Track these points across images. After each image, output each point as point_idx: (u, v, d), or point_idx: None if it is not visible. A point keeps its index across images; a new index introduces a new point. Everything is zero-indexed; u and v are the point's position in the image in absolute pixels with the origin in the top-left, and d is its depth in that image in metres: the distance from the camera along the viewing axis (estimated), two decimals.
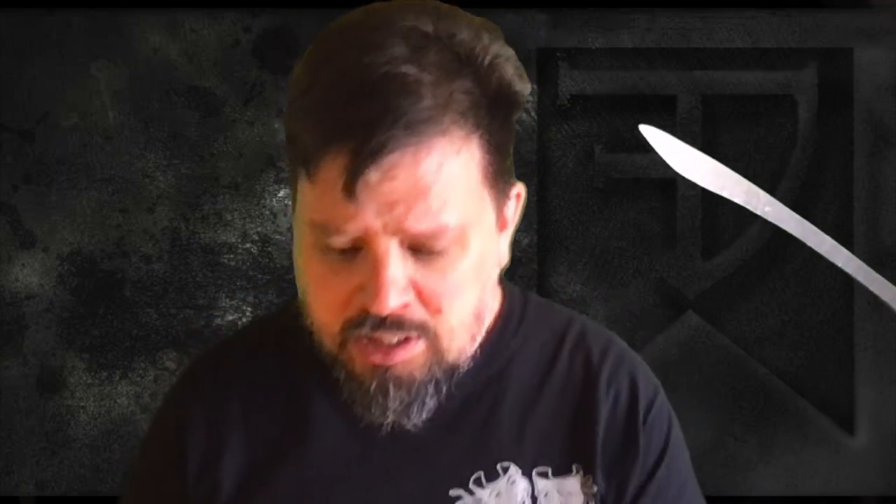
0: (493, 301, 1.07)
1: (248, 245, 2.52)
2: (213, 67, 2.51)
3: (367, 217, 0.95)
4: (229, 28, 2.51)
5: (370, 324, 0.97)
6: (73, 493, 2.52)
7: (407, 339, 0.98)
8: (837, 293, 2.54)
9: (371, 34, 0.96)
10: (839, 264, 1.06)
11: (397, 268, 0.96)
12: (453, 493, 1.03)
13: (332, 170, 0.95)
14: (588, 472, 1.04)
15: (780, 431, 2.52)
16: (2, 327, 2.51)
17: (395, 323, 0.97)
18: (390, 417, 1.00)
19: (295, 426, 1.06)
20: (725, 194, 1.07)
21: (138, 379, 2.51)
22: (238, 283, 2.51)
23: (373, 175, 0.94)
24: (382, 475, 1.04)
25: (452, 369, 1.01)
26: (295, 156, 1.00)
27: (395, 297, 0.96)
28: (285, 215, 2.51)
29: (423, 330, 0.98)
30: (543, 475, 1.04)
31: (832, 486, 2.53)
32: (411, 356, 0.99)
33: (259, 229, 2.51)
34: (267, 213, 2.51)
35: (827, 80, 2.53)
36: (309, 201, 0.98)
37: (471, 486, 1.03)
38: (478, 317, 1.02)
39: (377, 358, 0.98)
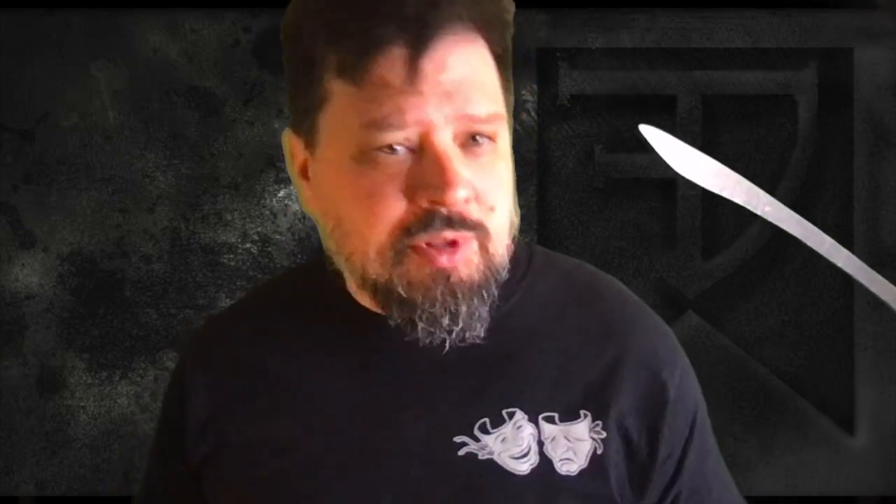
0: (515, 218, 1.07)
1: (248, 245, 2.52)
2: (213, 67, 2.51)
3: (428, 107, 0.96)
4: (229, 28, 2.51)
5: (438, 222, 0.97)
6: (73, 493, 2.52)
7: (462, 240, 0.98)
8: (837, 293, 2.54)
9: None
10: (839, 264, 1.06)
11: (459, 160, 0.97)
12: (458, 439, 1.03)
13: (385, 67, 0.96)
14: (597, 417, 1.04)
15: (780, 431, 2.52)
16: (2, 327, 2.51)
17: (461, 220, 0.97)
18: (460, 326, 0.99)
19: (297, 374, 1.07)
20: (725, 194, 1.07)
21: (138, 379, 2.51)
22: (238, 283, 2.51)
23: (428, 64, 0.96)
24: (384, 421, 1.04)
25: (498, 276, 1.01)
26: (321, 76, 1.00)
27: (463, 189, 0.97)
28: (285, 215, 2.51)
29: (479, 229, 0.99)
30: (550, 420, 1.03)
31: (832, 486, 2.53)
32: (469, 256, 0.99)
33: (259, 229, 2.52)
34: (267, 213, 2.51)
35: (827, 80, 2.53)
36: (356, 108, 0.98)
37: (475, 432, 1.03)
38: (512, 224, 1.03)
39: (441, 260, 0.98)
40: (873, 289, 1.06)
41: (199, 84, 2.51)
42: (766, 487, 2.51)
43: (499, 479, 1.02)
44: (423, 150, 0.97)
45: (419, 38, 0.96)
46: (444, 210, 0.97)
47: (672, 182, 2.50)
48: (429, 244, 0.98)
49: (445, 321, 0.99)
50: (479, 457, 1.02)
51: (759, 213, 1.06)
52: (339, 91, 0.99)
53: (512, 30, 1.04)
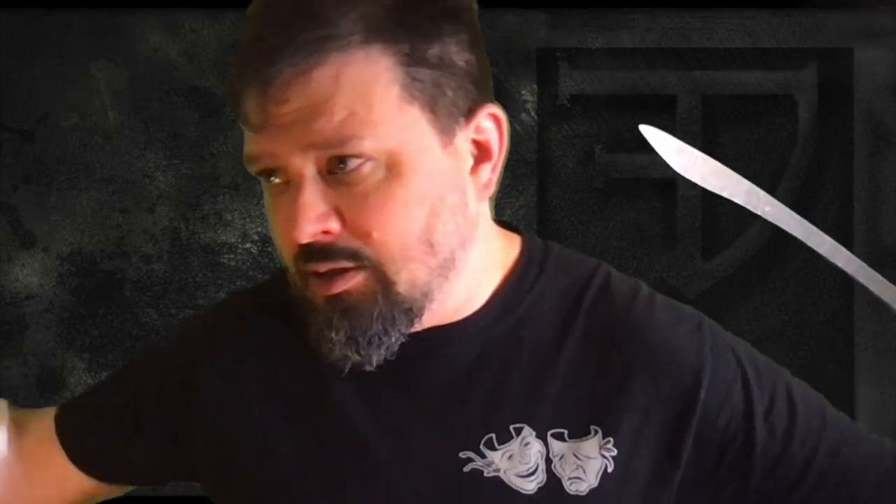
0: (472, 234, 1.01)
1: (248, 245, 2.52)
2: (213, 67, 2.51)
3: (268, 142, 0.96)
4: (229, 28, 2.51)
5: (303, 255, 0.96)
6: None
7: (345, 270, 0.96)
8: (837, 293, 2.54)
9: None
10: (839, 264, 1.06)
11: (312, 190, 0.95)
12: (463, 454, 1.00)
13: (239, 108, 0.97)
14: (608, 434, 1.00)
15: None
16: (2, 327, 2.51)
17: (322, 251, 0.96)
18: (337, 350, 0.97)
19: (302, 386, 1.05)
20: (725, 194, 1.06)
21: None
22: (238, 283, 2.51)
23: (266, 100, 0.95)
24: (390, 436, 1.01)
25: (407, 303, 0.97)
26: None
27: (310, 223, 0.95)
28: None
29: (356, 258, 0.96)
30: (559, 437, 1.00)
31: None
32: (352, 286, 0.96)
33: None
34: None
35: (827, 80, 2.53)
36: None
37: (482, 448, 1.00)
38: (431, 244, 0.97)
39: (324, 289, 0.97)
40: (873, 289, 1.06)
41: (199, 84, 2.51)
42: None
43: (504, 497, 0.99)
44: (293, 186, 0.97)
45: (254, 77, 0.95)
46: (302, 245, 0.96)
47: (672, 182, 2.50)
48: (313, 273, 0.97)
49: (324, 346, 0.98)
50: (485, 474, 0.99)
51: (759, 213, 1.06)
52: None
53: (462, 12, 0.99)
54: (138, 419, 1.13)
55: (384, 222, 0.95)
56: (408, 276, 0.97)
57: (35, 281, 2.51)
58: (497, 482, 0.99)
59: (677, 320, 1.04)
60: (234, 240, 2.52)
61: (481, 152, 1.01)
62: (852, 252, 1.06)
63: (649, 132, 1.06)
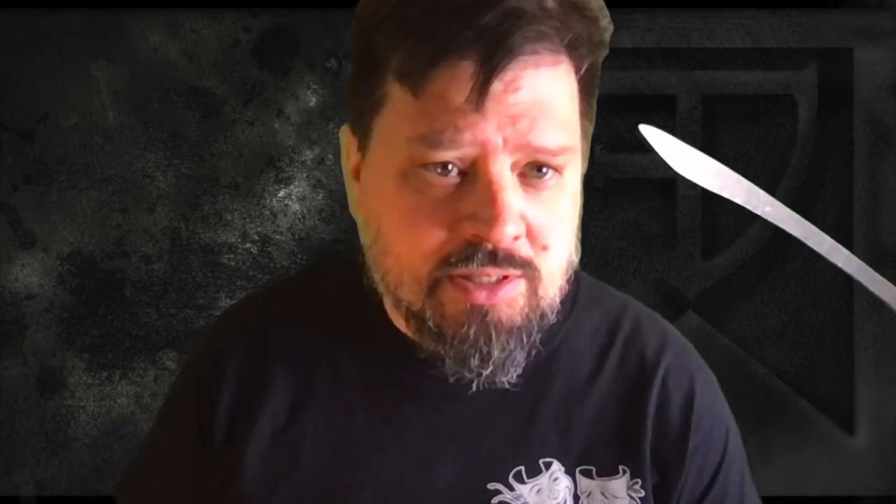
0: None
1: (248, 245, 2.52)
2: (213, 67, 2.51)
3: (489, 129, 0.88)
4: (229, 28, 2.51)
5: (481, 257, 0.89)
6: (73, 493, 2.52)
7: (507, 278, 0.91)
8: (837, 293, 2.54)
9: None
10: (839, 264, 1.06)
11: (512, 191, 0.89)
12: (491, 486, 0.98)
13: (450, 79, 0.88)
14: (636, 475, 0.99)
15: (780, 431, 2.52)
16: (2, 327, 2.51)
17: (507, 257, 0.90)
18: (490, 369, 0.92)
19: (323, 402, 1.01)
20: (725, 194, 1.06)
21: (138, 379, 2.51)
22: (238, 283, 2.51)
23: (497, 84, 0.88)
24: (417, 462, 0.99)
25: (545, 320, 0.94)
26: (382, 78, 0.92)
27: (513, 225, 0.89)
28: (285, 215, 2.51)
29: (528, 268, 0.91)
30: (587, 474, 0.98)
31: (832, 486, 2.53)
32: (513, 296, 0.91)
33: (259, 229, 2.51)
34: (267, 213, 2.51)
35: (827, 80, 2.53)
36: (410, 119, 0.90)
37: (510, 480, 0.98)
38: (570, 265, 0.95)
39: (480, 297, 0.90)
40: (873, 289, 1.06)
41: (199, 84, 2.51)
42: (766, 487, 2.51)
43: None
44: (475, 176, 0.90)
45: (492, 53, 0.87)
46: (489, 245, 0.89)
47: (672, 182, 2.50)
48: (467, 277, 0.91)
49: (475, 362, 0.92)
50: None
51: (759, 213, 1.06)
52: (397, 97, 0.92)
53: (606, 51, 0.98)
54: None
55: (560, 237, 0.93)
56: (552, 295, 0.95)
57: (35, 281, 2.51)
58: None
59: (703, 377, 1.06)
60: (234, 240, 2.52)
61: None
62: (852, 252, 1.06)
63: (649, 132, 1.06)
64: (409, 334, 0.98)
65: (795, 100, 2.53)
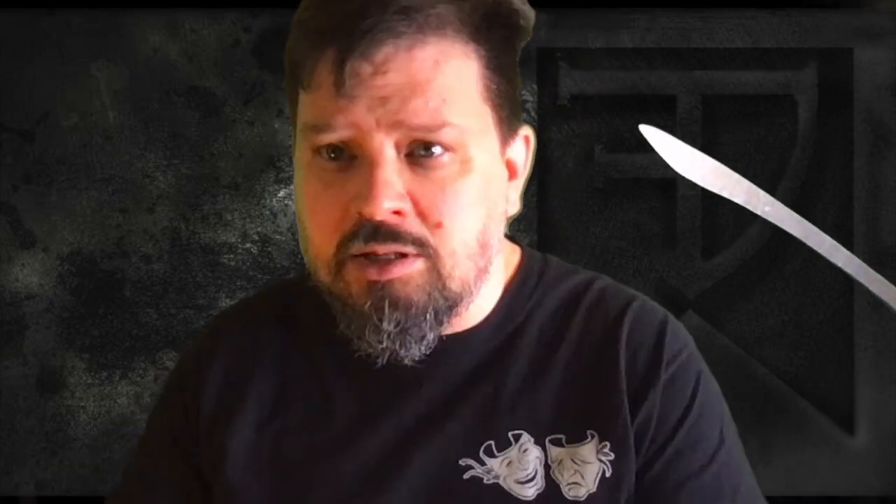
0: (501, 245, 1.02)
1: (248, 245, 2.52)
2: (213, 67, 2.51)
3: (359, 111, 0.93)
4: (229, 28, 2.51)
5: (364, 233, 0.94)
6: (73, 493, 2.52)
7: (405, 256, 0.94)
8: (837, 293, 2.54)
9: None
10: (839, 264, 1.06)
11: (391, 168, 0.93)
12: (463, 462, 1.00)
13: (324, 70, 0.94)
14: (604, 438, 1.00)
15: (780, 431, 2.52)
16: (2, 327, 2.51)
17: (390, 233, 0.93)
18: (385, 342, 0.95)
19: (304, 393, 1.04)
20: (725, 194, 1.07)
21: (138, 379, 2.51)
22: (238, 283, 2.51)
23: (364, 68, 0.93)
24: (393, 447, 1.01)
25: (454, 300, 0.97)
26: (293, 78, 0.99)
27: (388, 198, 0.93)
28: (285, 215, 2.51)
29: (421, 246, 0.95)
30: (557, 443, 1.00)
31: (832, 486, 2.53)
32: (409, 273, 0.95)
33: (259, 229, 2.51)
34: (267, 213, 2.51)
35: (827, 80, 2.53)
36: (304, 110, 0.97)
37: (481, 455, 1.00)
38: (483, 246, 0.98)
39: (373, 273, 0.94)
40: (873, 289, 1.06)
41: (199, 84, 2.51)
42: (766, 487, 2.49)
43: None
44: (360, 158, 0.94)
45: (353, 40, 0.92)
46: (370, 222, 0.93)
47: (672, 182, 2.50)
48: (366, 256, 0.94)
49: (369, 335, 0.96)
50: (485, 481, 0.99)
51: (759, 213, 1.06)
52: (298, 94, 0.99)
53: (526, 36, 1.00)
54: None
55: (455, 215, 0.95)
56: (460, 274, 0.97)
57: (35, 281, 2.51)
58: (497, 489, 0.99)
59: (673, 332, 1.05)
60: (234, 240, 2.52)
61: (510, 171, 1.02)
62: (852, 252, 1.06)
63: (649, 132, 1.07)
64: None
65: (795, 100, 2.53)
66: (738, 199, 1.06)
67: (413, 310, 0.95)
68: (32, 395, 2.51)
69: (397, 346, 0.96)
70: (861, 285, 1.05)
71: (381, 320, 0.95)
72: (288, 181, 2.50)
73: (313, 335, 1.06)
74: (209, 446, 1.06)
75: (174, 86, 2.50)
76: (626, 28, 2.49)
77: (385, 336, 0.95)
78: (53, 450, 2.51)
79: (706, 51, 2.52)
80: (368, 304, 0.95)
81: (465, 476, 1.00)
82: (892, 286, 1.06)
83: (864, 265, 1.06)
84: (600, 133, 2.52)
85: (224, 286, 2.51)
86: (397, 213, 0.94)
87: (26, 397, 2.51)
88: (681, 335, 1.06)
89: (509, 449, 1.00)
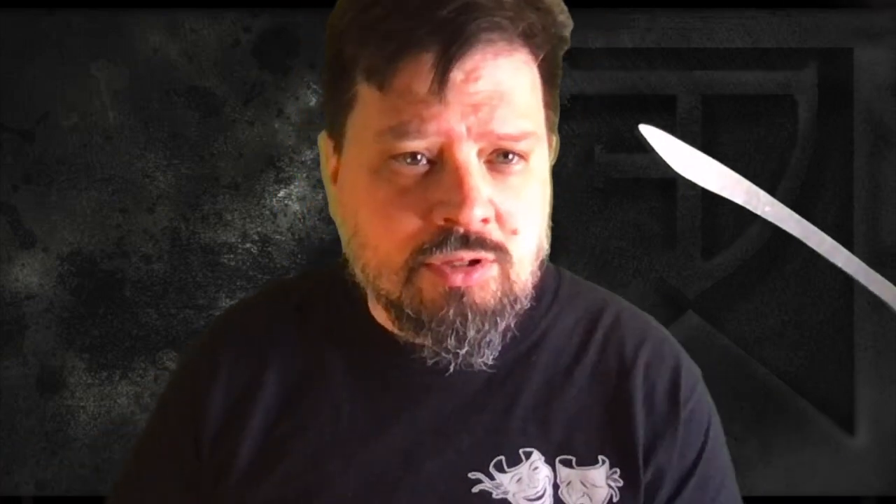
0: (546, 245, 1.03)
1: (248, 245, 2.52)
2: (213, 67, 2.51)
3: (452, 119, 0.93)
4: (229, 28, 2.51)
5: (453, 241, 0.93)
6: (73, 493, 2.52)
7: (480, 262, 0.95)
8: (837, 293, 2.54)
9: None
10: (839, 264, 1.06)
11: (479, 176, 0.93)
12: (472, 475, 1.00)
13: (413, 73, 0.93)
14: (614, 465, 1.01)
15: (780, 431, 2.52)
16: (2, 327, 2.51)
17: (478, 240, 0.94)
18: (465, 349, 0.95)
19: (312, 397, 1.04)
20: (725, 194, 1.07)
21: (138, 379, 2.51)
22: (238, 283, 2.51)
23: (458, 74, 0.92)
24: (401, 454, 1.01)
25: (517, 304, 0.98)
26: (352, 79, 0.97)
27: (480, 206, 0.93)
28: (285, 215, 2.51)
29: (500, 252, 0.95)
30: (567, 464, 1.01)
31: (832, 486, 2.53)
32: (486, 279, 0.95)
33: (259, 229, 2.51)
34: (267, 213, 2.51)
35: (827, 80, 2.53)
36: (378, 113, 0.95)
37: (491, 469, 1.00)
38: (540, 250, 1.00)
39: (457, 279, 0.94)
40: (873, 289, 1.06)
41: (199, 84, 2.51)
42: (766, 487, 2.51)
43: None
44: (442, 164, 0.94)
45: (451, 45, 0.92)
46: (460, 229, 0.93)
47: (672, 182, 2.50)
48: (443, 262, 0.94)
49: (451, 342, 0.95)
50: (494, 496, 1.00)
51: (759, 213, 1.06)
52: (365, 95, 0.96)
53: (567, 46, 1.01)
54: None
55: (527, 221, 0.97)
56: (524, 278, 0.98)
57: (35, 281, 2.51)
58: None
59: (688, 368, 1.07)
60: (234, 240, 2.52)
61: None
62: (852, 252, 1.06)
63: (649, 132, 1.07)
64: (390, 327, 1.01)
65: (795, 100, 2.53)
66: (738, 199, 1.06)
67: (489, 315, 0.96)
68: (32, 395, 2.51)
69: (474, 353, 0.96)
70: (861, 285, 1.05)
71: (464, 326, 0.95)
72: (288, 181, 2.50)
73: (322, 338, 1.06)
74: (214, 457, 1.05)
75: (174, 86, 2.50)
76: (626, 28, 2.49)
77: (467, 343, 0.96)
78: (53, 450, 2.51)
79: (706, 51, 2.52)
80: (450, 311, 0.95)
81: (474, 490, 1.00)
82: (892, 286, 1.06)
83: (864, 265, 1.06)
84: (600, 133, 2.52)
85: (224, 286, 2.51)
86: (484, 220, 0.94)
87: (26, 397, 2.51)
88: (693, 371, 1.08)
89: (520, 466, 1.00)
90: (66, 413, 2.51)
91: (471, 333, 0.95)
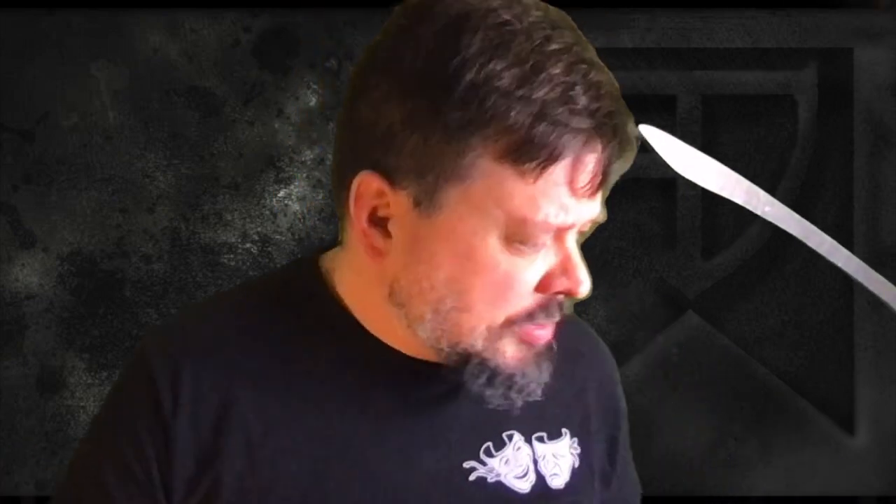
0: None
1: (248, 245, 2.52)
2: (213, 67, 2.51)
3: (582, 211, 0.99)
4: (229, 28, 2.51)
5: (556, 309, 0.99)
6: None
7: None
8: (837, 293, 2.54)
9: (554, 24, 0.98)
10: (839, 264, 1.06)
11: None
12: (467, 464, 1.05)
13: (572, 170, 0.96)
14: (573, 434, 1.10)
15: (780, 431, 2.52)
16: (2, 327, 2.51)
17: (561, 304, 1.01)
18: (539, 391, 1.02)
19: (302, 410, 1.02)
20: (725, 194, 1.07)
21: None
22: (238, 283, 2.51)
23: (602, 179, 0.99)
24: (396, 453, 1.02)
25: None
26: (470, 146, 0.93)
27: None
28: (285, 215, 2.51)
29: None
30: (541, 440, 1.08)
31: (832, 486, 2.53)
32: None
33: (259, 229, 2.52)
34: (267, 213, 2.51)
35: (827, 80, 2.53)
36: (514, 196, 0.94)
37: (482, 456, 1.05)
38: None
39: (547, 335, 1.01)
40: (873, 289, 1.06)
41: (199, 84, 2.51)
42: (766, 487, 2.51)
43: (507, 499, 1.05)
44: (557, 243, 0.99)
45: (610, 145, 0.97)
46: (572, 297, 1.00)
47: (672, 182, 2.50)
48: (533, 327, 1.00)
49: (534, 388, 1.02)
50: (489, 480, 1.05)
51: (759, 213, 1.06)
52: (493, 172, 0.94)
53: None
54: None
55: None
56: None
57: (35, 281, 2.51)
58: (500, 486, 1.05)
59: (605, 347, 1.21)
60: (234, 240, 2.52)
61: None
62: (852, 252, 1.06)
63: (649, 132, 1.06)
64: (373, 330, 1.02)
65: (795, 100, 2.53)
66: (738, 199, 1.06)
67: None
68: (32, 395, 2.51)
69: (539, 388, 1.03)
70: (861, 285, 1.05)
71: (541, 373, 1.01)
72: (288, 181, 2.51)
73: (296, 341, 1.03)
74: (194, 488, 1.00)
75: (174, 86, 2.50)
76: (626, 28, 2.49)
77: (541, 388, 1.02)
78: (53, 450, 2.51)
79: (706, 51, 2.52)
80: (544, 363, 1.02)
81: (471, 478, 1.04)
82: (892, 286, 1.06)
83: (864, 265, 1.05)
84: None
85: (224, 286, 2.51)
86: None
87: (26, 397, 2.51)
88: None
89: (505, 448, 1.06)
90: (66, 413, 2.51)
91: (545, 377, 1.02)
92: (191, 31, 2.51)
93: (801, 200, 2.51)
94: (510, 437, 1.06)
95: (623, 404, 1.18)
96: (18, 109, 2.50)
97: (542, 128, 0.93)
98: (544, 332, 1.01)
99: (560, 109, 0.93)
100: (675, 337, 2.51)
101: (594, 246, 2.53)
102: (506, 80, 0.92)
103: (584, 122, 0.94)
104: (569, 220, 0.97)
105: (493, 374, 1.00)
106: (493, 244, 0.96)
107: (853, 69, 2.52)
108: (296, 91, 2.50)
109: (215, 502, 1.01)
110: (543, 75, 0.93)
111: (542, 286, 0.98)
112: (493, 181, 0.94)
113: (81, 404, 2.51)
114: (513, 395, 1.01)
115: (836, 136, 2.54)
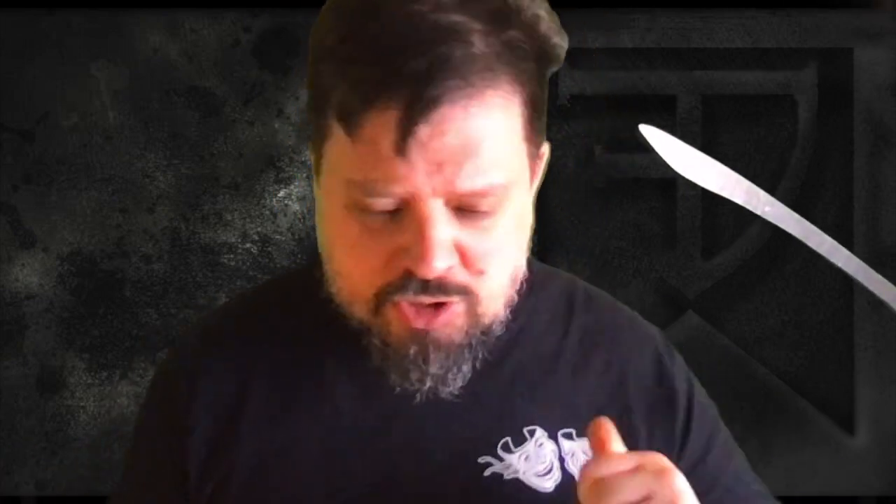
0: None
1: (248, 245, 2.52)
2: (213, 67, 2.51)
3: (417, 178, 0.90)
4: (229, 28, 2.51)
5: (413, 287, 0.93)
6: (73, 493, 2.52)
7: (447, 303, 0.95)
8: (837, 293, 2.54)
9: None
10: (839, 264, 1.06)
11: (444, 229, 0.92)
12: (482, 460, 1.02)
13: (378, 126, 0.90)
14: None
15: (780, 431, 2.52)
16: (2, 327, 2.51)
17: (440, 286, 0.94)
18: (428, 384, 0.97)
19: (314, 396, 1.03)
20: (725, 194, 1.07)
21: (138, 379, 2.51)
22: (238, 283, 2.51)
23: (424, 130, 0.89)
24: (408, 447, 1.02)
25: (487, 334, 0.98)
26: (326, 110, 0.94)
27: (442, 259, 0.92)
28: (285, 215, 2.51)
29: (464, 293, 0.95)
30: (568, 437, 1.04)
31: (832, 486, 2.53)
32: (451, 319, 0.96)
33: (259, 229, 2.51)
34: (267, 213, 2.51)
35: (827, 80, 2.53)
36: (347, 159, 0.93)
37: (499, 451, 1.02)
38: (514, 280, 0.99)
39: (419, 322, 0.95)
40: (873, 289, 1.06)
41: (199, 84, 2.51)
42: (766, 487, 2.51)
43: (526, 497, 1.02)
44: (408, 210, 0.93)
45: (420, 99, 0.89)
46: (420, 278, 0.93)
47: (672, 182, 2.50)
48: (410, 303, 0.95)
49: (414, 376, 0.97)
50: (505, 476, 1.02)
51: (759, 213, 1.06)
52: (337, 133, 0.94)
53: (557, 65, 0.99)
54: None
55: (497, 261, 0.96)
56: (495, 310, 0.99)
57: (35, 281, 2.51)
58: (517, 483, 1.02)
59: (649, 328, 1.14)
60: (234, 240, 2.52)
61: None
62: (852, 252, 1.06)
63: (649, 132, 1.07)
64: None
65: (795, 100, 2.53)
66: (738, 199, 1.06)
67: (455, 350, 0.97)
68: (32, 395, 2.51)
69: (439, 384, 0.98)
70: (861, 285, 1.05)
71: (426, 363, 0.96)
72: (288, 181, 2.50)
73: (308, 340, 1.05)
74: (208, 476, 1.04)
75: (174, 86, 2.50)
76: (626, 28, 2.49)
77: (429, 378, 0.97)
78: (53, 450, 2.51)
79: (706, 51, 2.52)
80: (414, 350, 0.96)
81: (486, 473, 1.02)
82: (892, 286, 1.06)
83: (864, 265, 1.06)
84: (600, 133, 2.52)
85: (224, 286, 2.51)
86: (448, 268, 0.94)
87: (26, 397, 2.51)
88: (670, 346, 1.13)
89: (525, 444, 1.03)
90: (66, 413, 2.51)
91: (433, 370, 0.96)
92: (191, 31, 2.51)
93: (801, 200, 2.51)
94: (532, 433, 1.03)
95: (681, 386, 1.09)
96: (18, 109, 2.50)
97: (348, 83, 0.92)
98: (419, 315, 0.95)
99: (365, 64, 0.91)
100: (675, 337, 2.51)
101: (594, 246, 2.54)
102: (329, 41, 0.94)
103: (384, 78, 0.90)
104: (396, 190, 0.91)
105: (382, 353, 0.97)
106: (343, 206, 0.95)
107: (853, 69, 2.52)
108: (296, 91, 2.50)
109: (227, 488, 1.03)
110: (357, 34, 0.92)
111: (390, 256, 0.94)
112: (336, 141, 0.95)
113: (81, 404, 2.51)
114: (406, 382, 0.97)
115: (836, 136, 2.54)
